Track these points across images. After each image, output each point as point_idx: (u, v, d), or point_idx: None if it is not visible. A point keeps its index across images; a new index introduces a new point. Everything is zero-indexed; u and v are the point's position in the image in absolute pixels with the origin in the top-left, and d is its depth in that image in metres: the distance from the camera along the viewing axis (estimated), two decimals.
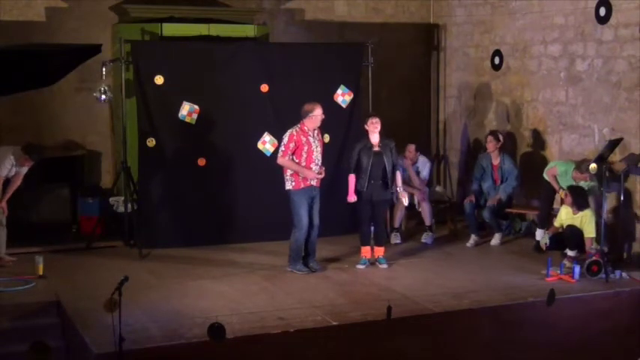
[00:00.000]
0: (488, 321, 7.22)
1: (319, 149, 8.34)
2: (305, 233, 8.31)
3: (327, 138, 9.49)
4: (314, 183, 8.31)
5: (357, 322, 6.92)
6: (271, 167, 8.82)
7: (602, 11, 9.25)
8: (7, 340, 6.77)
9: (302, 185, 8.26)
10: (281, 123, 9.04)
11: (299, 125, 8.25)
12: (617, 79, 9.16)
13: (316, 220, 8.39)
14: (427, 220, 9.97)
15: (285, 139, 8.23)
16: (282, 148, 8.24)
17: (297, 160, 8.20)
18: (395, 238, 9.79)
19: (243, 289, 7.86)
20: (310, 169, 8.24)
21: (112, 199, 9.80)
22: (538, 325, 7.28)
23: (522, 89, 10.57)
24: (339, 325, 6.83)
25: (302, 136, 8.20)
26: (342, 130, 9.91)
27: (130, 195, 9.35)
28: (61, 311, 7.23)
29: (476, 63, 11.40)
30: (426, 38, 12.15)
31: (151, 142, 9.33)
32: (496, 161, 9.83)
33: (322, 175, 8.33)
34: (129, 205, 9.31)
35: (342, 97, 9.95)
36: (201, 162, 9.51)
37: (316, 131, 8.35)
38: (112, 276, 5.99)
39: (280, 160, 8.27)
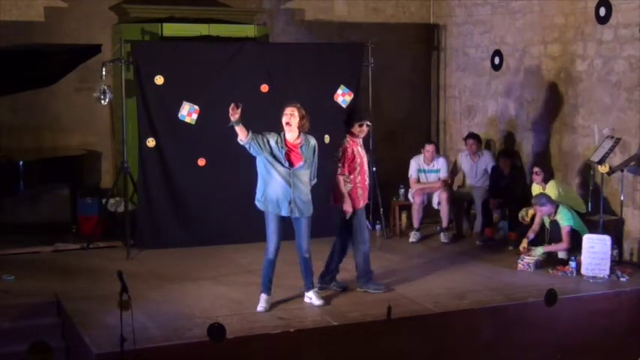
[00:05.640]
0: (489, 321, 7.21)
1: None
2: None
3: (327, 138, 9.48)
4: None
5: (357, 322, 6.92)
6: None
7: (602, 11, 9.25)
8: (7, 340, 6.77)
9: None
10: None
11: (347, 136, 7.83)
12: (617, 79, 9.16)
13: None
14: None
15: (341, 152, 7.69)
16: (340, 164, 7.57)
17: (350, 177, 7.66)
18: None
19: (243, 289, 7.85)
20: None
21: (111, 201, 9.79)
22: (538, 325, 7.28)
23: (522, 89, 10.57)
24: (339, 325, 6.82)
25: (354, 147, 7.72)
26: (342, 131, 9.86)
27: (129, 195, 9.36)
28: (61, 311, 7.23)
29: (476, 63, 11.39)
30: (426, 38, 12.15)
31: (151, 142, 9.33)
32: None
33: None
34: (129, 205, 9.31)
35: (342, 97, 9.95)
36: (201, 162, 9.51)
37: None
38: (112, 276, 5.97)
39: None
